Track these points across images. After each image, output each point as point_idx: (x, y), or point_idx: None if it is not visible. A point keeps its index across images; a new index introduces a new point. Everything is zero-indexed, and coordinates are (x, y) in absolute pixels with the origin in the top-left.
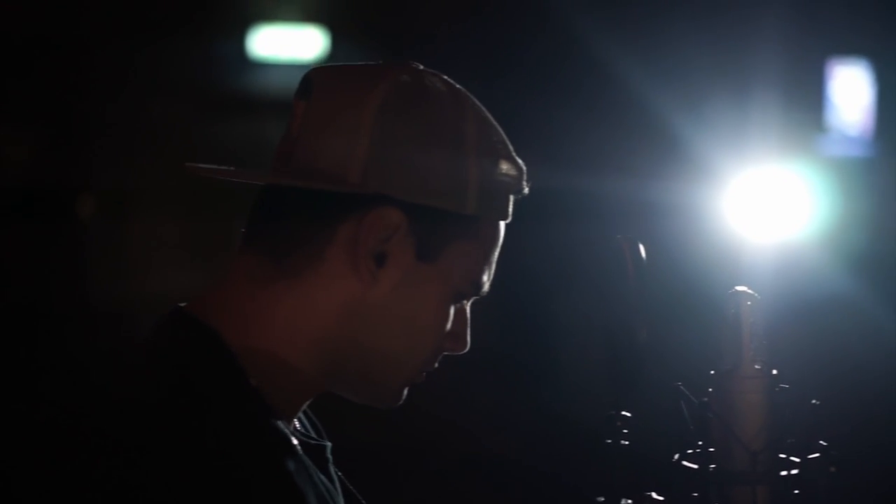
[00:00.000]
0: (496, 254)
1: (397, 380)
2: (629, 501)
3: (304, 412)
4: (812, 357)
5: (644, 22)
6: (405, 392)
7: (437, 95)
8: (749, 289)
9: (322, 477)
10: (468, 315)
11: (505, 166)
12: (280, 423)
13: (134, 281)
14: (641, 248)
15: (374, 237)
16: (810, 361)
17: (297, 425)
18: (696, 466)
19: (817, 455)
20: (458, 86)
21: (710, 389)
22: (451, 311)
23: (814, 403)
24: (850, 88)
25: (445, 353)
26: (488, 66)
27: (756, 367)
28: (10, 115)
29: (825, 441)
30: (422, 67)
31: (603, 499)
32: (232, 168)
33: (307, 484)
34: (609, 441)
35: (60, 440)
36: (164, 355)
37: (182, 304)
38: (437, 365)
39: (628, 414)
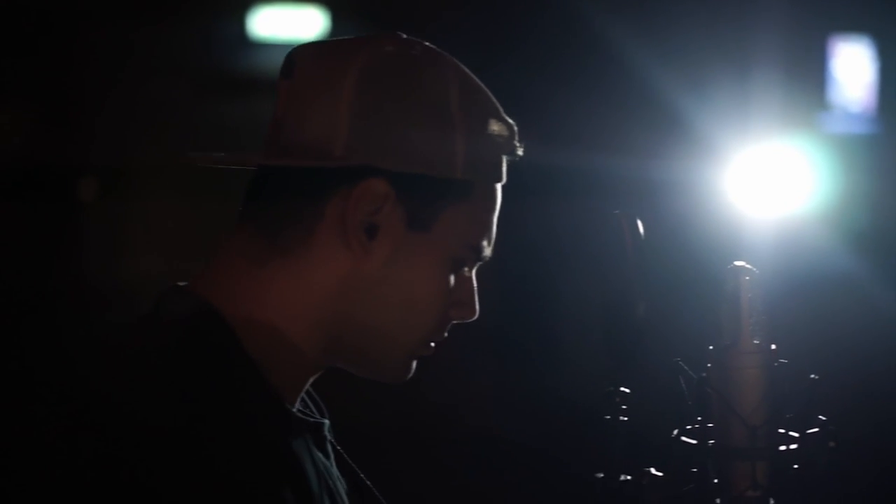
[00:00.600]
0: (495, 217)
1: (398, 353)
2: (628, 477)
3: (306, 390)
4: (812, 333)
5: (645, 1)
6: (412, 365)
7: (419, 62)
8: (748, 264)
9: (319, 454)
10: (474, 281)
11: (494, 128)
12: (280, 401)
13: (132, 261)
14: (639, 223)
15: (363, 210)
16: (810, 338)
17: (297, 404)
18: (695, 442)
19: (816, 430)
20: (441, 51)
21: (709, 365)
22: (451, 279)
23: (812, 378)
24: (852, 65)
25: (454, 321)
26: (490, 45)
27: (755, 342)
28: (7, 94)
29: (824, 416)
30: (404, 36)
31: (602, 475)
32: (221, 154)
33: (307, 461)
34: (608, 417)
35: (55, 424)
36: (163, 333)
37: (181, 284)
38: (445, 334)
39: (627, 390)
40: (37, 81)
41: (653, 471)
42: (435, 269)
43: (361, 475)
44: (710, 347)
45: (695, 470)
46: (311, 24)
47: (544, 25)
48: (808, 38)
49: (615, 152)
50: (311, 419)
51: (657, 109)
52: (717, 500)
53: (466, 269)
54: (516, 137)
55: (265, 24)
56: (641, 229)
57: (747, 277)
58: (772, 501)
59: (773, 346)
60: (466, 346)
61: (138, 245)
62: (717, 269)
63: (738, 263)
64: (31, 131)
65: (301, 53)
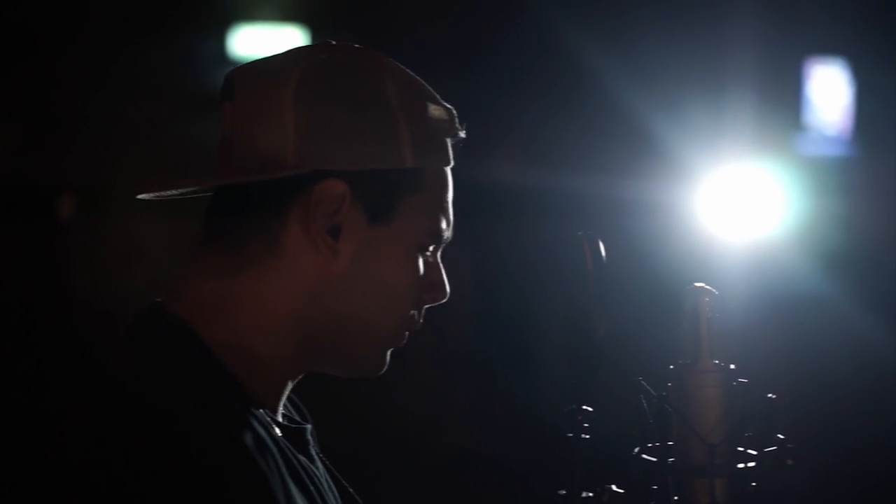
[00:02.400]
0: (449, 198)
1: (377, 345)
2: (590, 494)
3: (288, 396)
4: (783, 355)
5: (618, 19)
6: (387, 357)
7: (353, 64)
8: (708, 285)
9: (302, 458)
10: (440, 264)
11: (435, 113)
12: (259, 411)
13: (112, 278)
14: (601, 244)
15: (323, 213)
16: (781, 359)
17: (280, 410)
18: (655, 459)
19: (774, 448)
20: (372, 50)
21: (669, 384)
22: (420, 263)
23: (770, 397)
24: (828, 88)
25: (428, 305)
26: (464, 63)
27: (714, 361)
28: None
29: (783, 435)
30: (335, 42)
31: (564, 492)
32: (177, 185)
33: (291, 465)
34: (570, 435)
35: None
36: (140, 352)
37: (158, 300)
38: (422, 321)
39: (589, 408)
40: (16, 100)
41: (614, 488)
42: (403, 258)
43: (344, 482)
44: (671, 367)
45: (655, 487)
46: (290, 43)
47: (515, 42)
48: (783, 60)
49: (586, 171)
50: (293, 425)
51: (629, 128)
52: None
53: (431, 252)
54: (457, 121)
55: (245, 43)
56: (603, 250)
57: (707, 298)
58: None
59: (732, 366)
60: (443, 365)
61: (118, 262)
62: (680, 290)
63: (697, 284)
64: (10, 150)
65: (238, 74)
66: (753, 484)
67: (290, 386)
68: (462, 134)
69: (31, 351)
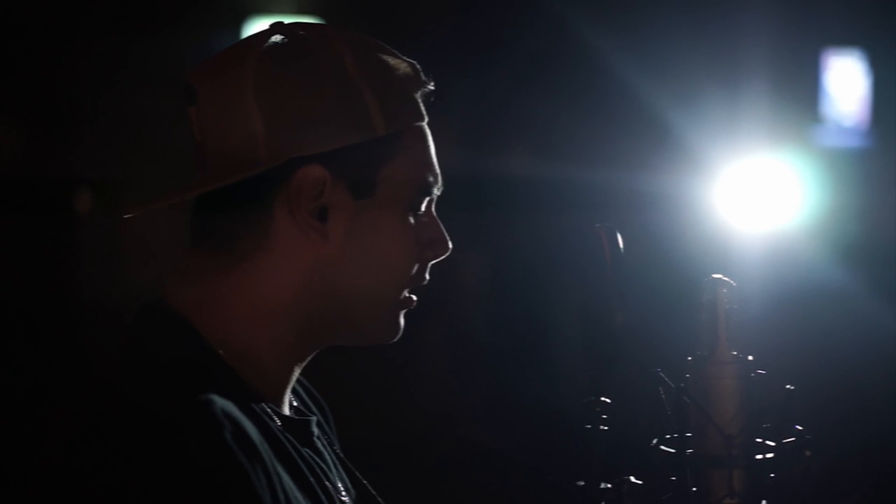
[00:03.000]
0: (431, 152)
1: (385, 312)
2: (608, 485)
3: (303, 386)
4: (800, 346)
5: (635, 13)
6: (401, 321)
7: (306, 42)
8: (726, 277)
9: (306, 451)
10: (437, 219)
11: (398, 72)
12: (258, 405)
13: (124, 273)
14: (619, 236)
15: (307, 198)
16: (798, 350)
17: (287, 401)
18: (673, 451)
19: (792, 439)
20: (322, 24)
21: (687, 375)
22: (413, 224)
23: (788, 388)
24: (845, 79)
25: (432, 261)
26: (482, 59)
27: (732, 352)
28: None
29: (801, 426)
30: (286, 22)
31: (582, 483)
32: (160, 200)
33: (277, 461)
34: (588, 426)
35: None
36: (137, 349)
37: (159, 297)
38: (427, 278)
39: (607, 400)
40: (28, 95)
41: (632, 479)
42: (394, 224)
43: (359, 475)
44: (689, 358)
45: (673, 478)
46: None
47: (533, 38)
48: (800, 52)
49: (604, 165)
50: (296, 417)
51: (647, 122)
52: None
53: (425, 209)
54: (421, 73)
55: None
56: (621, 242)
57: (724, 289)
58: None
59: (750, 357)
60: (460, 358)
61: (132, 258)
62: (698, 282)
63: (715, 276)
64: (22, 145)
65: (195, 76)
66: (771, 475)
67: (297, 372)
68: (431, 86)
69: (37, 347)
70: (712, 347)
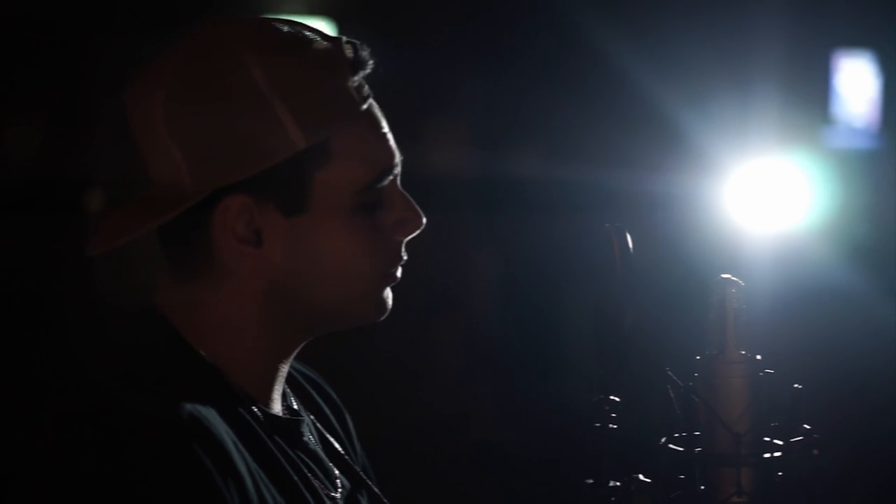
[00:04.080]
0: (376, 138)
1: (366, 297)
2: (617, 483)
3: (316, 385)
4: (808, 345)
5: (646, 15)
6: (386, 298)
7: (210, 67)
8: (735, 277)
9: (295, 452)
10: (403, 194)
11: (314, 73)
12: (250, 406)
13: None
14: (628, 236)
15: (235, 228)
16: (807, 350)
17: (278, 399)
18: (682, 449)
19: (800, 438)
20: (227, 26)
21: (696, 374)
22: (365, 220)
23: (796, 388)
24: (855, 80)
25: (406, 239)
26: (494, 61)
27: (741, 352)
28: (13, 107)
29: (811, 425)
30: (190, 32)
31: (591, 481)
32: (114, 239)
33: (252, 462)
34: (598, 425)
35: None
36: (122, 353)
37: (151, 301)
38: (405, 256)
39: (616, 398)
40: (41, 95)
41: (641, 477)
42: (338, 229)
43: (360, 472)
44: (698, 357)
45: (682, 476)
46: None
47: (544, 40)
48: (810, 53)
49: (615, 166)
50: (284, 417)
51: (657, 123)
52: None
53: (387, 191)
54: (349, 52)
55: None
56: (630, 241)
57: (734, 289)
58: None
59: (759, 357)
60: (472, 358)
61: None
62: (708, 282)
63: (724, 276)
64: (35, 145)
65: (127, 101)
66: (780, 473)
67: (284, 368)
68: (366, 64)
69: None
70: (721, 347)
